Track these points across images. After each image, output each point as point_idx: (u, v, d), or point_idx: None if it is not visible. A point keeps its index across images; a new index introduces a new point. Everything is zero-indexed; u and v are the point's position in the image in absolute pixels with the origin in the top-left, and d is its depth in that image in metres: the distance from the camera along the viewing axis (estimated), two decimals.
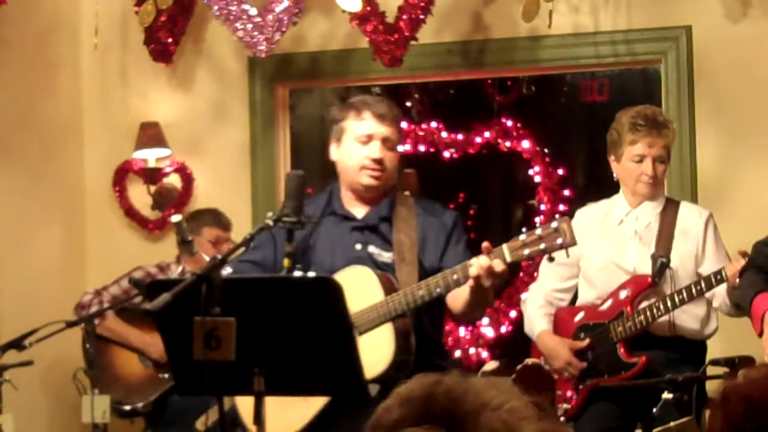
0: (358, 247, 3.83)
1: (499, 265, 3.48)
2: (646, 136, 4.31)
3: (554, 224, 3.48)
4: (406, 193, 4.10)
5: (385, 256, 3.81)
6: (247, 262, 3.83)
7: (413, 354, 3.66)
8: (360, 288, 3.63)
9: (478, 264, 3.48)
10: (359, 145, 3.85)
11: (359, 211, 3.90)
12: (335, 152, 3.94)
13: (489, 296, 3.70)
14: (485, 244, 3.53)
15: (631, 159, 4.34)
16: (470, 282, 3.53)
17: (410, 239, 3.82)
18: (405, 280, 3.73)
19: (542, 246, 3.47)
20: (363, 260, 3.79)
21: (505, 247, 3.52)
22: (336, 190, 3.96)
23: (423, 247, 3.82)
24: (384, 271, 3.77)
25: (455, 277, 3.58)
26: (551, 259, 3.51)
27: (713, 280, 4.17)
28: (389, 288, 3.69)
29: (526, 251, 3.49)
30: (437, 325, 3.96)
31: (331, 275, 3.66)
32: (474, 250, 3.62)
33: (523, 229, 3.54)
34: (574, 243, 3.48)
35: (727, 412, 1.88)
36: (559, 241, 3.45)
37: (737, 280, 4.05)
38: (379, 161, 3.83)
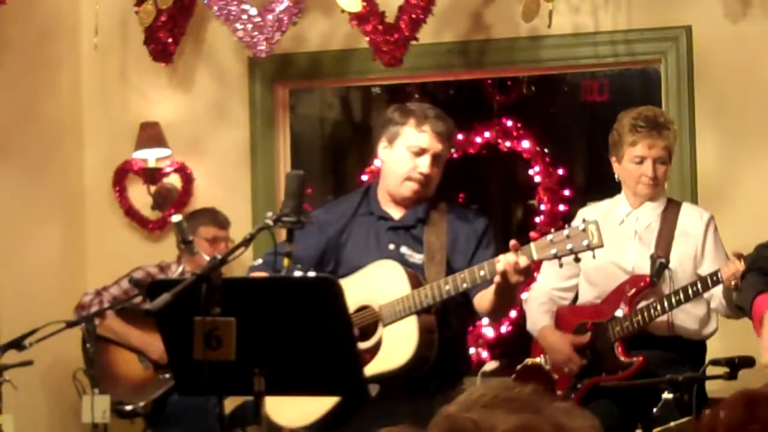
0: (392, 247, 3.91)
1: (524, 261, 3.55)
2: (647, 138, 4.31)
3: (582, 226, 3.55)
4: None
5: (416, 258, 3.88)
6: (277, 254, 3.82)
7: (435, 351, 3.71)
8: (387, 281, 3.72)
9: (505, 259, 3.57)
10: (411, 154, 3.90)
11: (396, 212, 3.98)
12: (383, 152, 3.99)
13: (515, 294, 3.80)
14: (513, 242, 3.60)
15: (631, 160, 4.34)
16: (497, 278, 3.60)
17: (440, 241, 3.89)
18: (433, 278, 3.79)
19: (569, 246, 3.54)
20: (394, 260, 3.85)
21: (532, 245, 3.60)
22: (373, 189, 4.03)
23: (452, 249, 3.89)
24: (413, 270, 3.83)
25: (482, 273, 3.65)
26: (577, 260, 3.60)
27: (709, 281, 4.18)
28: (416, 284, 3.76)
29: (553, 250, 3.56)
30: (462, 328, 4.02)
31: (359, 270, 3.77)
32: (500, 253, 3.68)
33: (552, 230, 3.61)
34: (601, 245, 3.55)
35: (727, 414, 1.86)
36: (586, 242, 3.53)
37: (733, 282, 4.06)
38: (426, 176, 3.90)
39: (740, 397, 1.84)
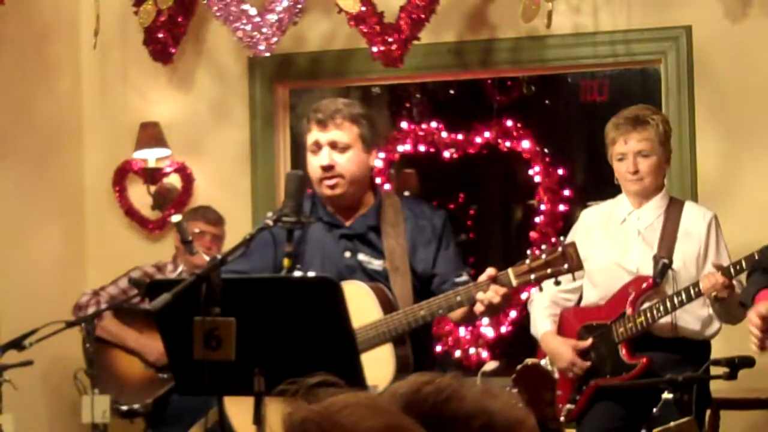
0: (347, 255, 3.79)
1: (503, 291, 3.53)
2: (624, 134, 4.34)
3: (560, 248, 3.51)
4: (390, 192, 4.05)
5: (376, 264, 3.77)
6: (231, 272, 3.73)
7: (412, 367, 3.65)
8: (356, 304, 3.45)
9: (486, 298, 3.54)
10: (312, 155, 3.78)
11: (344, 218, 3.84)
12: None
13: (491, 315, 3.75)
14: (491, 272, 3.56)
15: (615, 159, 4.38)
16: (478, 307, 3.57)
17: (400, 246, 3.77)
18: (399, 292, 3.71)
19: (549, 271, 3.52)
20: (353, 269, 3.75)
21: (510, 272, 3.56)
22: (318, 197, 3.86)
23: (414, 253, 3.79)
24: (376, 280, 3.73)
25: (459, 299, 3.60)
26: (557, 283, 3.57)
27: (692, 291, 4.19)
28: (385, 301, 3.66)
29: (533, 276, 3.54)
30: (426, 327, 3.93)
31: None
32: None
33: (528, 252, 3.56)
34: (581, 267, 3.54)
35: None
36: (566, 266, 3.51)
37: (713, 294, 4.08)
38: (327, 168, 3.74)
39: None
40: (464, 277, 3.77)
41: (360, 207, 3.84)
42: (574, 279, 3.63)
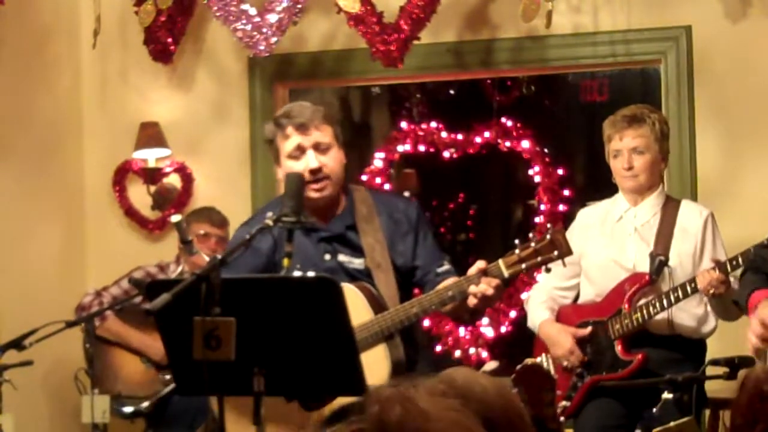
0: (327, 257, 3.79)
1: (495, 283, 3.53)
2: (619, 131, 4.38)
3: (548, 236, 3.51)
4: (359, 186, 4.04)
5: (357, 263, 3.78)
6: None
7: (405, 367, 3.65)
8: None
9: (479, 291, 3.54)
10: (293, 161, 3.76)
11: (320, 221, 3.84)
12: (280, 172, 3.86)
13: (485, 308, 3.74)
14: (481, 265, 3.56)
15: (611, 155, 4.40)
16: (472, 300, 3.57)
17: (379, 242, 3.78)
18: (384, 289, 3.71)
19: (539, 259, 3.53)
20: (334, 270, 3.73)
21: (501, 262, 3.56)
22: None
23: (393, 247, 3.80)
24: (359, 279, 3.73)
25: (450, 293, 3.61)
26: (548, 270, 3.58)
27: (688, 288, 4.20)
28: (372, 299, 3.67)
29: (523, 265, 3.55)
30: (416, 330, 3.93)
31: None
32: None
33: (516, 242, 3.56)
34: (570, 253, 3.54)
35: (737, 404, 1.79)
36: (556, 252, 3.51)
37: (711, 291, 4.10)
38: (316, 170, 3.74)
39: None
40: (446, 266, 3.80)
41: (335, 207, 3.85)
42: (564, 265, 3.63)
